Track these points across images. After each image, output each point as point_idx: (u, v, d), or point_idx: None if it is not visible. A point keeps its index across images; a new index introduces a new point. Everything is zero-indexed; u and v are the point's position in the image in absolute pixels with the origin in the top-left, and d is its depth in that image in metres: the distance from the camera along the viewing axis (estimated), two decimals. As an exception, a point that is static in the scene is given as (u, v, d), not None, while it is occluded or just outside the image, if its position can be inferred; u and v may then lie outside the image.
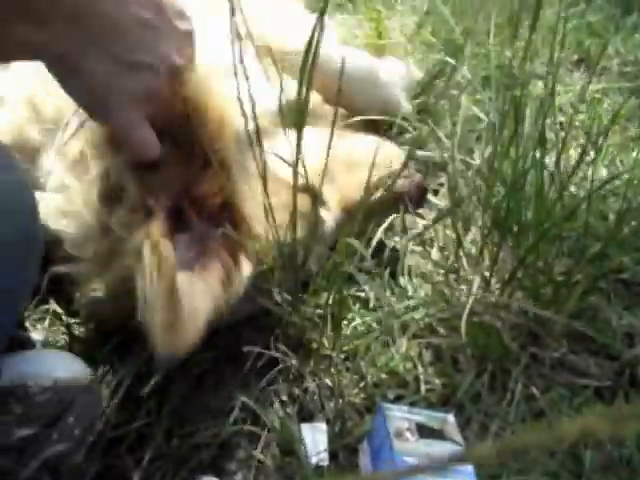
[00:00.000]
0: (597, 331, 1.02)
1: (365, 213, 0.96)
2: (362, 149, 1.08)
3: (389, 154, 1.12)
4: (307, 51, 0.83)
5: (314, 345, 1.00)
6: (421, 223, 1.25)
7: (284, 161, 0.91)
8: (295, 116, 0.88)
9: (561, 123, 1.45)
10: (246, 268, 0.87)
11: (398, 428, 0.82)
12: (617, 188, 1.22)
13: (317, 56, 0.83)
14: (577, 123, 1.53)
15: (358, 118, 1.14)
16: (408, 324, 1.03)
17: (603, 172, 1.36)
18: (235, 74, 0.83)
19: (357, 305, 1.08)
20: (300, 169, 0.91)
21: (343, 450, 0.91)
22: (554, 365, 1.02)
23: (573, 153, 1.41)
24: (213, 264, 0.83)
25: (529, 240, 1.05)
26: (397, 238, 1.18)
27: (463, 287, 1.09)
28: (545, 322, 1.02)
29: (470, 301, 0.98)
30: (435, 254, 1.18)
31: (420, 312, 1.04)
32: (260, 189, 0.90)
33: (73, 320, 1.05)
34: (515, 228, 1.07)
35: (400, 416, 0.85)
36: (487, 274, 1.07)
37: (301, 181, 0.93)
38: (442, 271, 1.12)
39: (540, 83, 1.22)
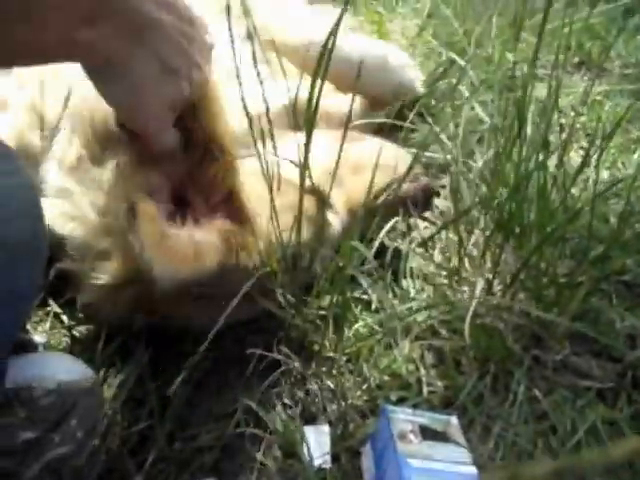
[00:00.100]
0: (600, 333, 1.01)
1: (370, 216, 0.96)
2: (368, 152, 1.08)
3: (395, 157, 1.12)
4: (320, 58, 0.84)
5: (316, 347, 1.00)
6: (423, 225, 1.25)
7: (291, 162, 0.91)
8: (305, 118, 0.88)
9: (562, 125, 1.45)
10: (250, 250, 0.88)
11: (401, 430, 0.82)
12: (619, 190, 1.22)
13: (330, 63, 0.84)
14: (578, 125, 1.53)
15: (361, 121, 1.14)
16: (410, 326, 1.03)
17: (604, 174, 1.36)
18: (239, 75, 0.84)
19: (359, 307, 1.08)
20: (307, 170, 0.91)
21: (345, 452, 0.91)
22: (557, 367, 1.02)
23: (574, 155, 1.41)
24: (215, 230, 0.84)
25: (531, 242, 1.05)
26: (399, 240, 1.18)
27: (465, 289, 1.09)
28: (548, 324, 1.02)
29: (473, 303, 0.97)
30: (437, 256, 1.17)
31: (422, 314, 1.04)
32: (266, 187, 0.91)
33: (74, 322, 1.05)
34: (517, 230, 1.07)
35: (403, 418, 0.85)
36: (489, 276, 1.07)
37: (308, 183, 0.93)
38: (444, 273, 1.12)
39: (541, 85, 1.21)
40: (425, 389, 0.97)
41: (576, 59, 1.89)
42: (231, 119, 0.88)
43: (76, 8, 0.63)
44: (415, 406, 0.93)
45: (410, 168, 1.03)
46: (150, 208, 0.77)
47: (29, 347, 0.98)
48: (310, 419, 0.95)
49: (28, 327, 1.03)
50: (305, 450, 0.88)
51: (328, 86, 0.91)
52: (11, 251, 0.65)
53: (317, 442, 0.90)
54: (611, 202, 1.22)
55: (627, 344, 1.05)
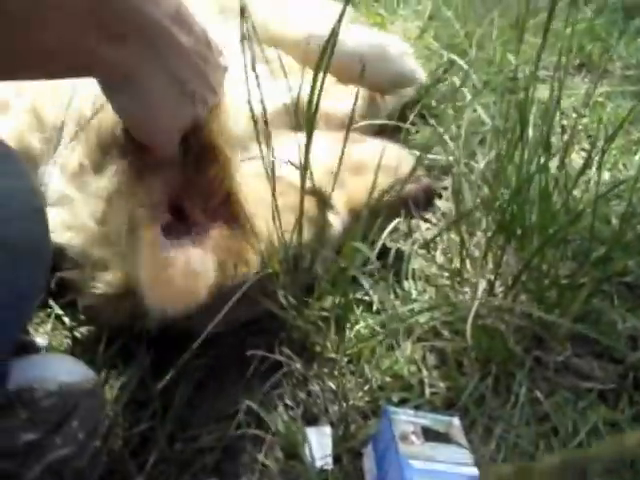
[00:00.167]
0: (601, 334, 1.01)
1: (372, 216, 0.96)
2: (370, 152, 1.08)
3: (397, 158, 1.12)
4: (321, 57, 0.84)
5: (318, 348, 1.00)
6: (425, 226, 1.25)
7: (292, 164, 0.91)
8: (305, 117, 0.88)
9: (563, 126, 1.45)
10: (250, 261, 0.88)
11: (403, 431, 0.82)
12: (620, 192, 1.22)
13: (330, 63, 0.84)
14: (580, 127, 1.53)
15: (362, 123, 1.14)
16: (412, 327, 1.03)
17: (606, 175, 1.36)
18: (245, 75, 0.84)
19: (360, 308, 1.08)
20: (308, 172, 0.91)
21: (347, 454, 0.90)
22: (558, 368, 1.02)
23: (576, 157, 1.41)
24: (211, 242, 0.84)
25: (533, 244, 1.05)
26: (401, 241, 1.18)
27: (467, 290, 1.09)
28: (549, 325, 1.02)
29: (475, 305, 0.97)
30: (439, 257, 1.17)
31: (424, 315, 1.04)
32: (265, 188, 0.91)
33: (76, 323, 1.05)
34: (519, 231, 1.07)
35: (405, 419, 0.84)
36: (491, 277, 1.07)
37: (309, 184, 0.93)
38: (446, 274, 1.12)
39: (543, 86, 1.21)
40: (427, 390, 0.97)
41: (577, 61, 1.89)
42: (229, 120, 0.88)
43: (81, 12, 0.62)
44: (417, 407, 0.93)
45: (413, 169, 1.03)
46: (152, 234, 0.77)
47: (30, 348, 0.98)
48: (312, 420, 0.94)
49: (29, 328, 1.03)
50: (307, 451, 0.88)
51: (329, 80, 0.90)
52: (12, 252, 0.65)
53: (319, 443, 0.90)
54: (613, 203, 1.22)
55: (629, 345, 1.05)
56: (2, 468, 0.75)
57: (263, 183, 0.91)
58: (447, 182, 1.37)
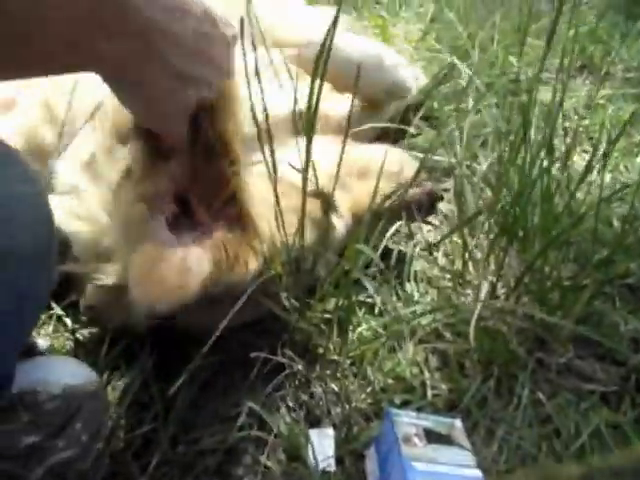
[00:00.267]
0: (603, 336, 1.01)
1: (375, 220, 0.96)
2: (374, 156, 1.08)
3: (400, 162, 1.12)
4: (317, 63, 0.84)
5: (321, 350, 1.00)
6: (427, 229, 1.25)
7: (294, 168, 0.92)
8: (305, 122, 0.88)
9: (565, 129, 1.45)
10: (250, 262, 0.87)
11: (406, 433, 0.82)
12: (623, 194, 1.22)
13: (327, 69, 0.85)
14: (581, 129, 1.53)
15: (364, 127, 1.14)
16: (415, 329, 1.03)
17: (607, 178, 1.36)
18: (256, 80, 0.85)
19: (363, 310, 1.08)
20: (310, 174, 0.91)
21: (349, 455, 0.91)
22: (560, 370, 1.02)
23: (578, 159, 1.41)
24: (211, 240, 0.83)
25: (535, 246, 1.05)
26: (403, 243, 1.18)
27: (469, 292, 1.09)
28: (551, 327, 1.02)
29: (478, 307, 0.97)
30: (441, 259, 1.18)
31: (427, 318, 1.04)
32: (269, 189, 0.91)
33: (78, 325, 1.05)
34: (521, 234, 1.07)
35: (408, 421, 0.85)
36: (493, 279, 1.07)
37: (313, 187, 0.93)
38: (448, 276, 1.12)
39: (544, 88, 1.21)
40: (429, 392, 0.97)
41: (578, 63, 1.89)
42: (244, 121, 0.88)
43: (81, 12, 0.63)
44: (419, 409, 0.93)
45: (416, 174, 1.04)
46: (155, 225, 0.77)
47: (33, 351, 0.98)
48: (314, 422, 0.95)
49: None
50: (309, 453, 0.88)
51: (326, 86, 0.91)
52: (21, 258, 0.65)
53: (321, 445, 0.90)
54: (614, 205, 1.22)
55: (631, 347, 1.05)
56: (5, 470, 0.75)
57: (267, 184, 0.92)
58: (449, 184, 1.37)
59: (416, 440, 0.82)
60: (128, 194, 0.81)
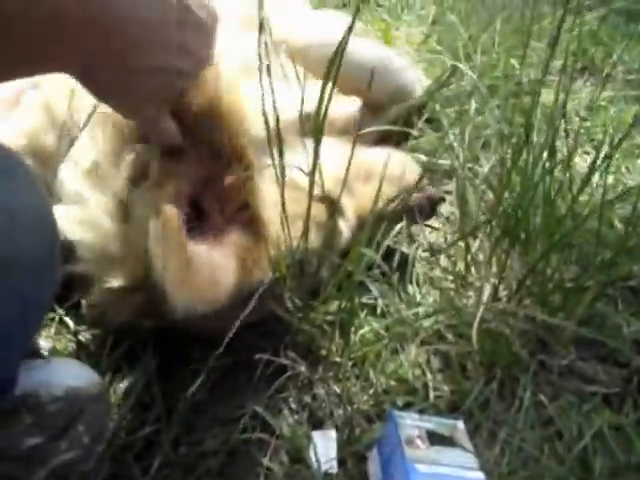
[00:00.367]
0: (606, 338, 1.01)
1: (377, 222, 0.97)
2: (378, 160, 1.08)
3: (403, 166, 1.13)
4: (329, 68, 0.84)
5: (323, 352, 1.00)
6: (429, 230, 1.25)
7: (302, 171, 0.92)
8: (314, 129, 0.89)
9: (566, 130, 1.45)
10: (265, 267, 0.88)
11: (409, 435, 0.82)
12: (625, 196, 1.22)
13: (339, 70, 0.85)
14: (582, 131, 1.53)
15: (368, 130, 1.14)
16: (417, 331, 1.03)
17: (609, 179, 1.36)
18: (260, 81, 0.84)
19: (365, 312, 1.08)
20: (317, 178, 0.92)
21: (352, 457, 0.90)
22: (563, 372, 1.02)
23: (579, 160, 1.42)
24: (231, 247, 0.85)
25: (537, 248, 1.05)
26: (405, 245, 1.18)
27: (471, 294, 1.09)
28: (554, 329, 1.02)
29: (481, 309, 0.98)
30: (443, 261, 1.18)
31: (429, 319, 1.04)
32: (279, 195, 0.91)
33: (80, 327, 1.05)
34: (523, 236, 1.07)
35: (411, 423, 0.85)
36: (495, 281, 1.07)
37: (319, 190, 0.93)
38: (451, 278, 1.12)
39: (546, 90, 1.21)
40: (431, 394, 0.97)
41: (579, 65, 1.89)
42: (254, 124, 0.88)
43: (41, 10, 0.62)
44: (421, 411, 0.93)
45: (420, 179, 1.04)
46: (177, 231, 0.77)
47: (35, 353, 0.98)
48: (317, 424, 0.94)
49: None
50: (312, 455, 0.88)
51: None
52: (24, 265, 0.65)
53: (324, 447, 0.90)
54: (616, 207, 1.22)
55: (633, 349, 1.05)
56: (7, 472, 0.75)
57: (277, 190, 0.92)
58: (450, 186, 1.37)
59: (419, 442, 0.82)
60: (146, 201, 0.81)
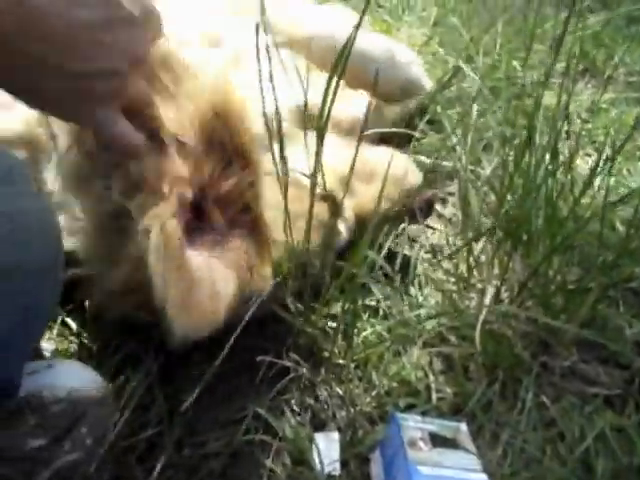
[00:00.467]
0: (607, 340, 1.02)
1: (378, 224, 0.97)
2: (379, 161, 1.08)
3: (405, 168, 1.13)
4: (336, 63, 0.83)
5: (326, 354, 1.00)
6: (430, 231, 1.26)
7: (303, 174, 0.92)
8: (317, 130, 0.88)
9: (568, 132, 1.45)
10: (267, 272, 0.88)
11: (412, 437, 0.82)
12: (627, 198, 1.22)
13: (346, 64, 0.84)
14: (584, 132, 1.54)
15: (372, 131, 1.14)
16: (419, 333, 1.03)
17: (611, 181, 1.36)
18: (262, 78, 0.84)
19: (367, 314, 1.08)
20: (319, 178, 0.92)
21: (354, 459, 0.91)
22: (565, 374, 1.02)
23: (581, 162, 1.42)
24: (232, 255, 0.84)
25: (539, 250, 1.05)
26: (407, 247, 1.19)
27: (473, 296, 1.09)
28: (556, 331, 1.02)
29: (483, 311, 0.98)
30: (446, 263, 1.18)
31: (431, 321, 1.04)
32: (281, 194, 0.91)
33: (83, 329, 1.05)
34: (525, 238, 1.07)
35: (414, 425, 0.85)
36: (497, 283, 1.07)
37: (321, 189, 0.93)
38: (453, 280, 1.13)
39: (548, 93, 1.22)
40: (434, 396, 0.97)
41: (581, 67, 1.89)
42: (255, 123, 0.88)
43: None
44: (424, 413, 0.93)
45: (422, 186, 1.04)
46: (173, 228, 0.76)
47: (38, 354, 0.98)
48: (319, 426, 0.95)
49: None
50: (314, 457, 0.88)
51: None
52: (28, 272, 0.65)
53: (326, 449, 0.90)
54: (618, 209, 1.22)
55: (635, 351, 1.05)
56: (11, 473, 0.75)
57: (278, 188, 0.91)
58: (452, 188, 1.37)
59: (421, 444, 0.82)
60: (145, 213, 0.79)
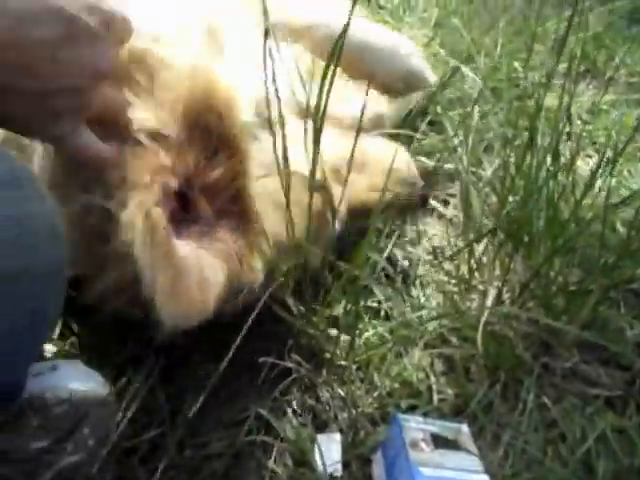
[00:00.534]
0: (608, 341, 1.02)
1: (369, 219, 0.96)
2: (373, 152, 1.07)
3: (400, 160, 1.11)
4: (334, 47, 0.83)
5: (327, 355, 1.00)
6: (432, 233, 1.26)
7: (301, 173, 0.91)
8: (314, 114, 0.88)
9: (569, 134, 1.45)
10: (257, 265, 0.86)
11: (413, 438, 0.83)
12: (629, 199, 1.22)
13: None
14: (584, 134, 1.54)
15: (375, 133, 1.14)
16: (421, 334, 1.03)
17: (612, 182, 1.36)
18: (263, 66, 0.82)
19: (368, 315, 1.08)
20: (317, 167, 0.91)
21: (356, 460, 0.91)
22: (566, 375, 1.02)
23: (582, 163, 1.42)
24: (221, 246, 0.83)
25: (541, 251, 1.05)
26: (409, 248, 1.19)
27: (475, 297, 1.09)
28: (557, 332, 1.02)
29: (485, 312, 0.98)
30: (447, 264, 1.18)
31: (433, 323, 1.04)
32: (274, 183, 0.89)
33: (84, 330, 1.05)
34: (526, 239, 1.08)
35: (415, 426, 0.85)
36: (499, 284, 1.08)
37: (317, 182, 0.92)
38: (454, 281, 1.13)
39: (549, 94, 1.22)
40: (435, 397, 0.98)
41: (582, 68, 1.89)
42: (243, 109, 0.86)
43: None
44: (425, 414, 0.94)
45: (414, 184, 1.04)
46: (158, 216, 0.75)
47: (40, 355, 0.98)
48: (321, 427, 0.95)
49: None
50: (316, 458, 0.89)
51: (338, 81, 0.89)
52: (35, 276, 0.65)
53: (328, 450, 0.90)
54: (619, 211, 1.23)
55: (636, 352, 1.05)
56: (14, 474, 0.75)
57: (272, 178, 0.89)
58: (453, 189, 1.37)
59: (423, 445, 0.82)
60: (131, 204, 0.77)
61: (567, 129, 1.12)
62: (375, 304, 1.09)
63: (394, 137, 1.24)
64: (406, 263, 1.15)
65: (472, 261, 1.10)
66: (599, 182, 1.16)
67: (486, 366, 1.01)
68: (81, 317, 1.04)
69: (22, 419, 0.77)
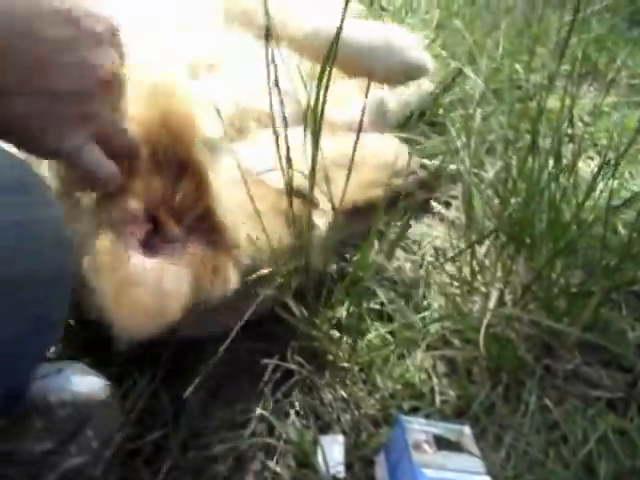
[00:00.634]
0: (610, 343, 1.02)
1: (367, 212, 0.95)
2: (364, 147, 1.05)
3: (393, 151, 1.11)
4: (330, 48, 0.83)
5: (330, 357, 1.00)
6: (435, 234, 1.26)
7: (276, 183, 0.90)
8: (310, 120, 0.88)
9: (570, 135, 1.45)
10: (230, 274, 0.85)
11: (416, 440, 0.83)
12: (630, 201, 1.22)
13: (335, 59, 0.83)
14: (586, 136, 1.54)
15: (377, 133, 1.13)
16: (423, 336, 1.03)
17: (613, 184, 1.36)
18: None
19: (371, 317, 1.09)
20: (285, 171, 0.90)
21: (359, 462, 0.91)
22: (568, 377, 1.02)
23: (583, 165, 1.42)
24: (190, 258, 0.81)
25: (542, 253, 1.05)
26: (411, 250, 1.19)
27: (477, 299, 1.09)
28: (559, 334, 1.02)
29: (487, 314, 0.98)
30: (449, 266, 1.18)
31: (435, 325, 1.04)
32: (241, 195, 0.88)
33: (87, 332, 1.05)
34: (528, 241, 1.08)
35: (418, 428, 0.85)
36: (501, 286, 1.08)
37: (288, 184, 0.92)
38: (456, 283, 1.13)
39: (551, 96, 1.22)
40: (438, 399, 0.98)
41: (583, 70, 1.89)
42: (204, 123, 0.85)
43: None
44: (427, 416, 0.94)
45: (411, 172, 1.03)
46: (118, 250, 0.74)
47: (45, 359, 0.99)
48: (324, 428, 0.95)
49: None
50: (319, 459, 0.89)
51: (335, 85, 0.88)
52: (40, 281, 0.65)
53: (331, 451, 0.90)
54: (621, 213, 1.23)
55: (637, 354, 1.05)
56: (18, 477, 0.76)
57: (240, 190, 0.88)
58: (455, 191, 1.37)
59: (426, 447, 0.83)
60: (94, 220, 0.77)
61: (569, 131, 1.12)
62: (377, 306, 1.09)
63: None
64: (408, 265, 1.15)
65: (474, 263, 1.10)
66: (601, 184, 1.17)
67: (488, 368, 1.01)
68: (84, 319, 1.04)
69: (26, 421, 0.78)
